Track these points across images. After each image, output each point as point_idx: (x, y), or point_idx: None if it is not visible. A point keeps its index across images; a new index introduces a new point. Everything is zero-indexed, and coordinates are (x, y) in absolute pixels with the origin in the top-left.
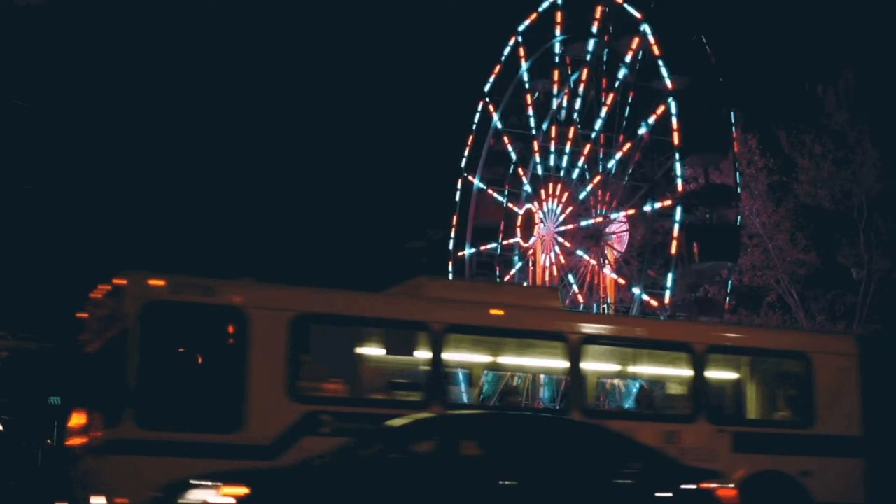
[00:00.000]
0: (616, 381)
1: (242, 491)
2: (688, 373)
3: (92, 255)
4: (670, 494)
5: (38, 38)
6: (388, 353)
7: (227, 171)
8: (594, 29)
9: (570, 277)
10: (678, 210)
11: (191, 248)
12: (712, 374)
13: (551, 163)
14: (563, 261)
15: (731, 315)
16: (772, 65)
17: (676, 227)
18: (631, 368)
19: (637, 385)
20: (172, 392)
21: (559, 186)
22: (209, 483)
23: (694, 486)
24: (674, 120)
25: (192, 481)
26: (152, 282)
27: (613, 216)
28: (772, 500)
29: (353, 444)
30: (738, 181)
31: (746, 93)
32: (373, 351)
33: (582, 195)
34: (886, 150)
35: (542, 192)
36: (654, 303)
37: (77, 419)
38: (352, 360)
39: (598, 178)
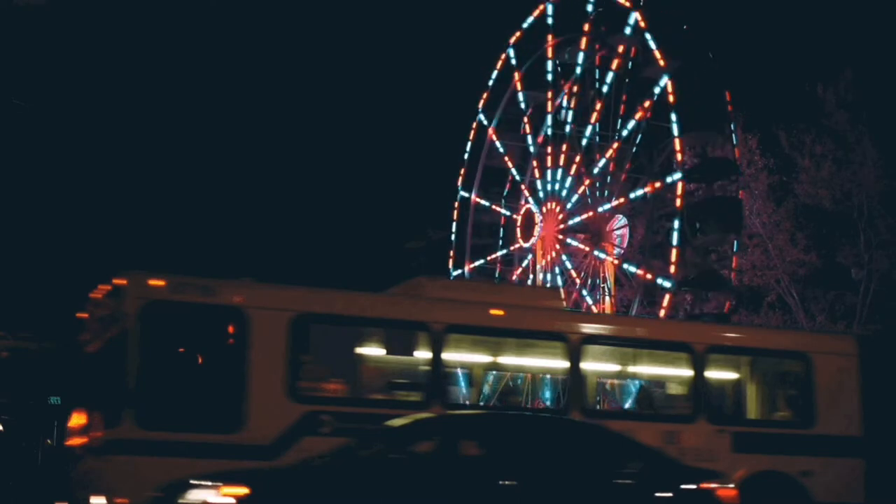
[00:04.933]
0: (616, 381)
1: (242, 491)
2: (688, 373)
3: (92, 255)
4: (670, 494)
5: (38, 38)
6: (388, 353)
7: (227, 171)
8: (586, 28)
9: (573, 273)
10: (679, 185)
11: (191, 248)
12: (712, 374)
13: (548, 163)
14: (563, 257)
15: (731, 315)
16: (772, 65)
17: (678, 201)
18: (631, 368)
19: (637, 385)
20: (172, 392)
21: (557, 184)
22: (209, 483)
23: (694, 486)
24: (670, 97)
25: (192, 481)
26: (152, 282)
27: (614, 205)
28: (772, 500)
29: (353, 444)
30: (735, 155)
31: (746, 93)
32: (373, 351)
33: (580, 189)
34: (886, 150)
35: (545, 186)
36: (649, 276)
37: (77, 419)
38: (352, 360)
39: (599, 166)
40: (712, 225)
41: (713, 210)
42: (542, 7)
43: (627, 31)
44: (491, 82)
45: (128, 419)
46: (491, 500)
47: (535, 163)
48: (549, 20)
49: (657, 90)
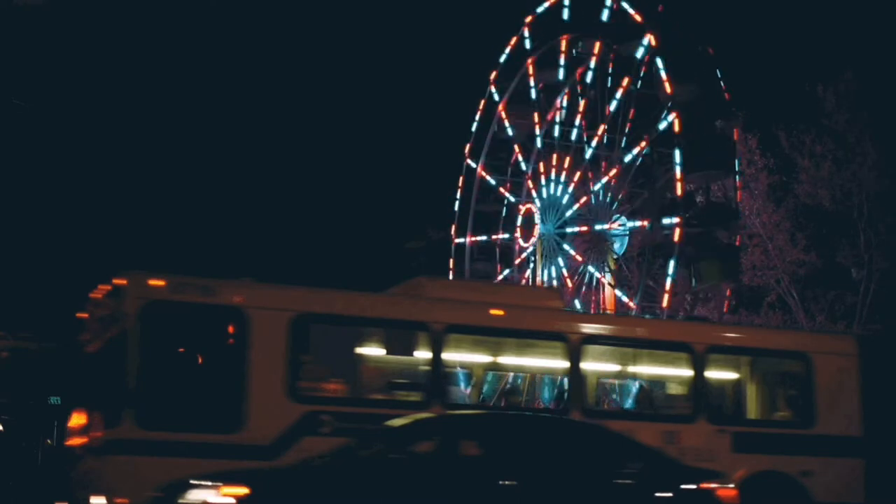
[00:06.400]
0: (616, 381)
1: (242, 491)
2: (688, 373)
3: (92, 255)
4: (670, 494)
5: (38, 38)
6: (388, 353)
7: (227, 171)
8: (600, 28)
9: (569, 282)
10: (677, 232)
11: (191, 248)
12: (712, 374)
13: (553, 162)
14: (562, 262)
15: (731, 315)
16: (772, 65)
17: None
18: (631, 368)
19: (637, 385)
20: (172, 392)
21: (559, 188)
22: (209, 483)
23: (694, 486)
24: (675, 130)
25: (192, 481)
26: (152, 282)
27: (615, 221)
28: (772, 500)
29: (353, 444)
30: (738, 202)
31: (746, 93)
32: (373, 351)
33: (582, 199)
34: (886, 150)
35: (543, 191)
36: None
37: (77, 419)
38: (352, 360)
39: (598, 185)
40: (709, 272)
41: (711, 257)
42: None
43: (640, 48)
44: (503, 58)
45: (128, 419)
46: (491, 500)
47: (539, 160)
48: (565, 11)
49: (664, 124)
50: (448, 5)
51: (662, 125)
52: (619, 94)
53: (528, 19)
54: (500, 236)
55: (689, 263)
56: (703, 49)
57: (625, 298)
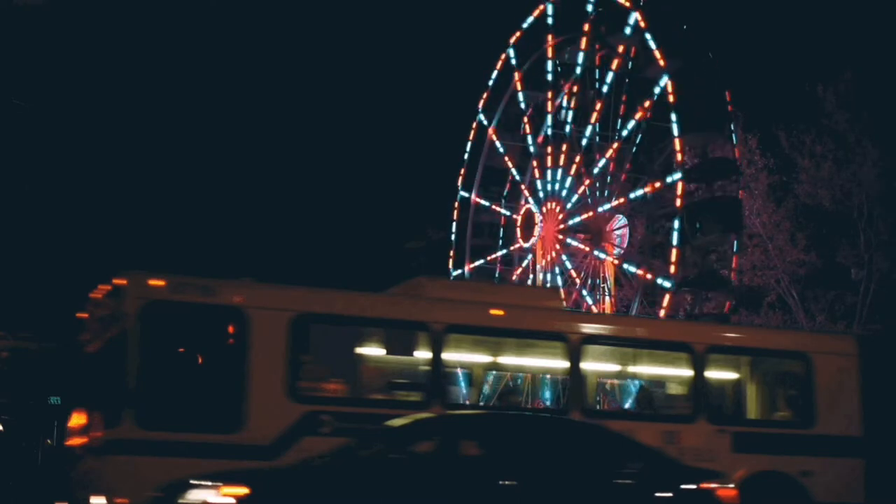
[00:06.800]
0: (616, 381)
1: (242, 491)
2: (688, 373)
3: (92, 255)
4: (670, 494)
5: (38, 38)
6: (388, 353)
7: (226, 171)
8: (586, 28)
9: (573, 273)
10: (679, 185)
11: (191, 248)
12: (712, 374)
13: (548, 163)
14: (563, 258)
15: (730, 315)
16: (772, 65)
17: (678, 201)
18: (631, 368)
19: (637, 385)
20: (172, 392)
21: (557, 184)
22: (209, 483)
23: (694, 486)
24: (670, 97)
25: (192, 481)
26: (152, 282)
27: (614, 204)
28: (772, 500)
29: (353, 444)
30: (735, 155)
31: (746, 93)
32: (373, 351)
33: (581, 189)
34: (886, 150)
35: (540, 193)
36: (649, 276)
37: (77, 419)
38: (352, 360)
39: (596, 169)
40: (712, 225)
41: (713, 210)
42: (542, 7)
43: (627, 30)
44: (491, 82)
45: (128, 419)
46: (491, 500)
47: (534, 163)
48: (549, 20)
49: (657, 90)
50: (446, 7)
51: (656, 90)
52: (609, 79)
53: (515, 37)
54: (498, 255)
55: (691, 219)
56: (691, 27)
57: (633, 268)
